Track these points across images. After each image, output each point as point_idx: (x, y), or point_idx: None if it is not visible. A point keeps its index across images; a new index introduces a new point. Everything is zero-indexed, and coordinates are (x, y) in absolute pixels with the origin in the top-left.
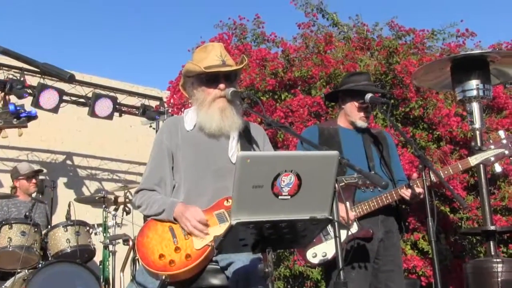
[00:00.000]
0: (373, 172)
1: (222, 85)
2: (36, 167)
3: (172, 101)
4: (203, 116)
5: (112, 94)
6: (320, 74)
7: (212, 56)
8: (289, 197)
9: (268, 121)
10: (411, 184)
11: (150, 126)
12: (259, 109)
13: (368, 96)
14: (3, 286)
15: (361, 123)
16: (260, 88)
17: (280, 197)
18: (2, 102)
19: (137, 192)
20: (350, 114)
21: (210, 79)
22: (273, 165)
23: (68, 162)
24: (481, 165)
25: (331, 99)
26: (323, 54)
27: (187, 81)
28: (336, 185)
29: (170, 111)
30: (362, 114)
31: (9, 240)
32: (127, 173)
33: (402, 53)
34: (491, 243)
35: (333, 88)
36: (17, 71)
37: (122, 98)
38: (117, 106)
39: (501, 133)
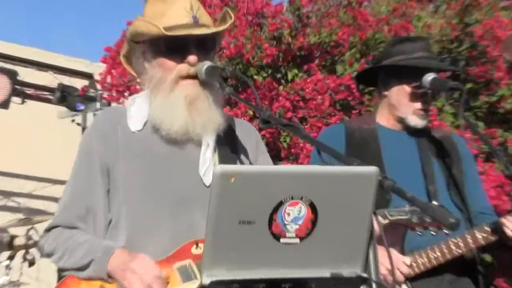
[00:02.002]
0: (435, 203)
1: (192, 57)
2: None
3: (109, 80)
4: (159, 107)
5: (8, 66)
6: (351, 40)
7: (177, 10)
8: (297, 240)
9: (265, 115)
10: (502, 222)
11: (73, 121)
12: (250, 96)
13: (429, 77)
14: None
15: (416, 121)
16: (254, 61)
17: (282, 240)
18: None
19: (48, 230)
20: (398, 106)
21: (173, 47)
22: (272, 188)
23: None
24: None
25: (367, 81)
26: (357, 7)
27: (135, 50)
28: (375, 222)
29: (105, 96)
30: (417, 105)
31: None
32: (32, 197)
33: (486, 6)
34: None
35: (371, 63)
36: None
37: (25, 74)
38: (17, 87)
39: None
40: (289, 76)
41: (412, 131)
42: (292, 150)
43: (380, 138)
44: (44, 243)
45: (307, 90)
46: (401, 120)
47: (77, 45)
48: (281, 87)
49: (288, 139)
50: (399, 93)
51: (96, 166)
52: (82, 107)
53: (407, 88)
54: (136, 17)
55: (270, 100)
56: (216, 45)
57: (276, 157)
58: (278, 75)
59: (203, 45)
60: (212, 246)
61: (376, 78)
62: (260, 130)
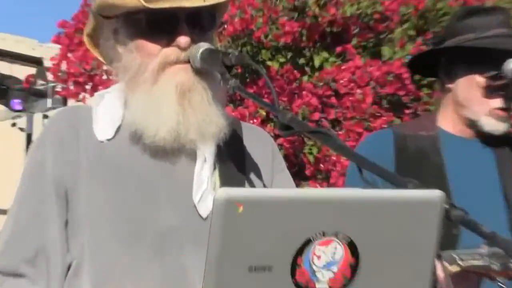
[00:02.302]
0: None
1: (183, 38)
2: None
3: (64, 67)
4: (139, 107)
5: None
6: (403, 12)
7: None
8: None
9: (285, 119)
10: None
11: (14, 125)
12: (263, 89)
13: (511, 63)
14: None
15: (493, 124)
16: (267, 41)
17: None
18: None
19: None
20: (468, 104)
21: (157, 24)
22: (296, 221)
23: None
24: None
25: (425, 69)
26: None
27: (103, 28)
28: (439, 269)
29: (59, 89)
30: (495, 103)
31: None
32: None
33: None
34: None
35: (431, 44)
36: None
37: None
38: None
39: None
40: (316, 62)
41: (488, 139)
42: (321, 165)
43: (443, 148)
44: None
45: (342, 82)
46: (472, 124)
47: (20, 20)
48: (305, 78)
49: (315, 150)
50: (469, 86)
51: (49, 189)
52: (23, 106)
53: (479, 79)
54: None
55: (290, 96)
56: (216, 21)
57: (299, 176)
58: (301, 61)
59: (198, 22)
60: None
61: (437, 65)
62: (276, 137)
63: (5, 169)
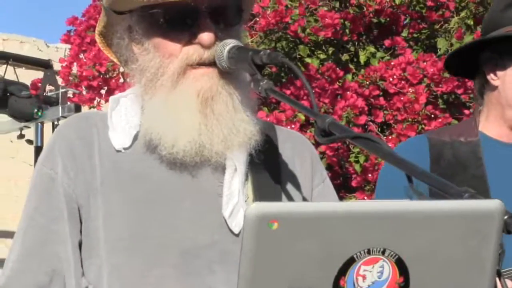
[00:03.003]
0: None
1: (206, 35)
2: None
3: (75, 70)
4: (156, 113)
5: None
6: None
7: None
8: None
9: (325, 123)
10: None
11: (21, 137)
12: (301, 91)
13: None
14: None
15: None
16: (305, 35)
17: None
18: None
19: None
20: None
21: (176, 20)
22: (338, 238)
23: None
24: None
25: (466, 69)
26: None
27: (116, 25)
28: (499, 286)
29: (71, 95)
30: None
31: None
32: None
33: None
34: None
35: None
36: None
37: None
38: None
39: None
40: (362, 58)
41: None
42: (369, 175)
43: (486, 156)
44: None
45: (391, 80)
46: None
47: (24, 19)
48: (349, 76)
49: (362, 159)
50: None
51: (60, 206)
52: (36, 116)
53: None
54: None
55: (333, 97)
56: (243, 15)
57: (344, 187)
58: (344, 57)
59: (223, 16)
60: None
61: (478, 62)
62: (317, 145)
63: (11, 188)
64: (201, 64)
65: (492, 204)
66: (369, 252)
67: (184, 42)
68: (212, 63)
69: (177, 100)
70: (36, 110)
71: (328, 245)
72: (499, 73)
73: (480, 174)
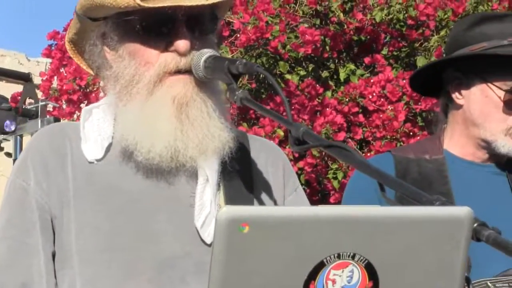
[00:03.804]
0: None
1: (182, 43)
2: None
3: (56, 84)
4: (131, 120)
5: None
6: (440, 16)
7: None
8: None
9: (298, 132)
10: None
11: (0, 150)
12: (281, 107)
13: None
14: None
15: (511, 145)
16: (285, 52)
17: None
18: None
19: None
20: (483, 120)
21: (153, 26)
22: (308, 242)
23: None
24: None
25: (428, 87)
26: None
27: (89, 31)
28: None
29: (50, 109)
30: None
31: None
32: None
33: None
34: None
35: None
36: None
37: None
38: None
39: None
40: (341, 75)
41: (502, 163)
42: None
43: (451, 174)
44: None
45: (371, 97)
46: (487, 145)
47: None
48: (328, 93)
49: (340, 175)
50: (485, 101)
51: (33, 218)
52: (13, 127)
53: (498, 92)
54: None
55: (312, 113)
56: (217, 23)
57: (322, 204)
58: (324, 74)
59: (198, 24)
60: None
61: (441, 80)
62: (295, 161)
63: None
64: (177, 71)
65: (462, 211)
66: (339, 257)
67: (161, 49)
68: (188, 71)
69: (153, 106)
70: (7, 123)
71: (298, 249)
72: (463, 92)
73: (446, 191)
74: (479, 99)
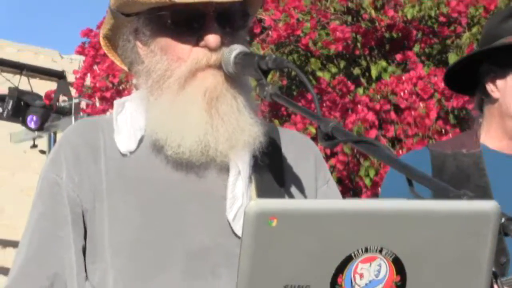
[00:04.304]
0: None
1: (212, 37)
2: None
3: (89, 81)
4: (162, 114)
5: None
6: (472, 13)
7: None
8: None
9: (328, 128)
10: None
11: (34, 147)
12: (312, 104)
13: None
14: None
15: None
16: (316, 49)
17: None
18: None
19: None
20: None
21: (184, 21)
22: (336, 236)
23: None
24: None
25: (465, 83)
26: None
27: (122, 27)
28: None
29: (84, 107)
30: None
31: None
32: None
33: None
34: None
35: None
36: None
37: None
38: None
39: None
40: (373, 73)
41: None
42: (379, 190)
43: (488, 167)
44: None
45: (402, 94)
46: None
47: (39, 30)
48: (360, 90)
49: (372, 173)
50: None
51: (65, 211)
52: (47, 125)
53: None
54: None
55: (343, 111)
56: (248, 19)
57: (347, 193)
58: (356, 71)
59: (229, 19)
60: None
61: (475, 77)
62: (328, 158)
63: (24, 199)
64: (208, 67)
65: (488, 205)
66: (366, 251)
67: (192, 44)
68: (218, 67)
69: (184, 101)
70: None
71: (326, 242)
72: (499, 85)
73: (483, 184)
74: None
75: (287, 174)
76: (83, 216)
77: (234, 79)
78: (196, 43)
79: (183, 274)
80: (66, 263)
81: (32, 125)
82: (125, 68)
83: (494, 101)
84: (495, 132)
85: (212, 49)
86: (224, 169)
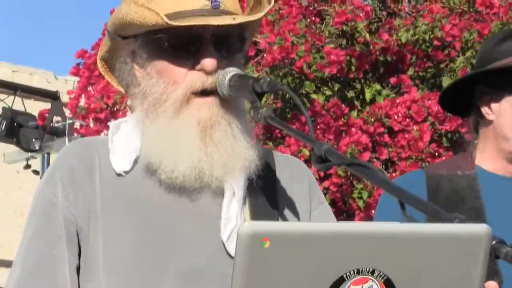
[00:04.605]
0: None
1: (208, 61)
2: None
3: (83, 102)
4: (157, 137)
5: None
6: (466, 37)
7: None
8: None
9: (321, 150)
10: None
11: (28, 167)
12: (306, 127)
13: None
14: None
15: None
16: (310, 72)
17: None
18: None
19: None
20: (511, 135)
21: (180, 44)
22: (329, 257)
23: None
24: None
25: (459, 106)
26: None
27: (120, 49)
28: None
29: (78, 127)
30: None
31: None
32: None
33: None
34: None
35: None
36: None
37: None
38: None
39: None
40: (367, 95)
41: None
42: (372, 212)
43: (483, 189)
44: None
45: (396, 117)
46: None
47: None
48: (354, 113)
49: (365, 195)
50: None
51: (59, 230)
52: (38, 145)
53: None
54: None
55: (337, 133)
56: (245, 43)
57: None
58: (350, 94)
59: (226, 43)
60: None
61: (471, 98)
62: (321, 180)
63: (17, 219)
64: (203, 91)
65: (479, 228)
66: (358, 272)
67: (188, 68)
68: (213, 91)
69: (178, 127)
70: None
71: (318, 264)
72: (493, 107)
73: (478, 206)
74: (509, 113)
75: (281, 197)
76: (77, 235)
77: (229, 103)
78: (192, 67)
79: None
80: (61, 282)
81: (37, 147)
82: (122, 90)
83: (488, 123)
84: (490, 154)
85: (208, 73)
86: (219, 191)
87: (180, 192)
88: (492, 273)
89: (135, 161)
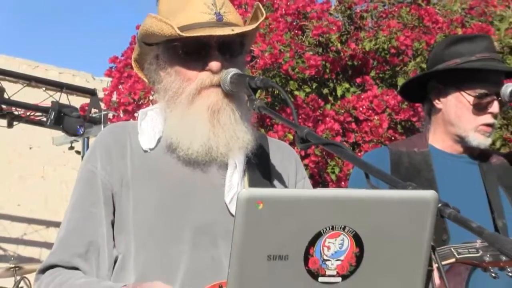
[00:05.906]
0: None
1: (215, 64)
2: None
3: (115, 97)
4: (176, 123)
5: None
6: (416, 46)
7: (197, 6)
8: (338, 279)
9: (303, 133)
10: None
11: (71, 149)
12: (290, 117)
13: (509, 88)
14: None
15: (479, 139)
16: (294, 73)
17: (321, 278)
18: None
19: (42, 271)
20: (457, 121)
21: (191, 51)
22: (309, 216)
23: None
24: None
25: (415, 96)
26: (423, 5)
27: (146, 54)
28: (434, 259)
29: (111, 117)
30: (482, 119)
31: None
32: (21, 242)
33: None
34: None
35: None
36: None
37: (12, 91)
38: (2, 106)
39: None
40: (338, 92)
41: (474, 154)
42: (342, 183)
43: (434, 163)
44: None
45: (361, 109)
46: (461, 140)
47: (76, 56)
48: (328, 106)
49: (337, 170)
50: (458, 105)
51: (98, 193)
52: (82, 130)
53: (468, 98)
54: (148, 14)
55: (315, 122)
56: (244, 48)
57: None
58: (325, 91)
59: (228, 48)
60: (237, 286)
61: (425, 91)
62: (302, 158)
63: (62, 189)
64: (210, 86)
65: (428, 194)
66: (332, 228)
67: (198, 69)
68: (218, 85)
69: (192, 113)
70: (78, 128)
71: (301, 222)
72: (442, 99)
73: (431, 177)
74: (454, 104)
75: (273, 171)
76: (112, 198)
77: (231, 95)
78: (202, 68)
79: (191, 243)
80: (99, 234)
81: (79, 132)
82: (150, 85)
83: (438, 111)
84: (440, 135)
85: (214, 72)
86: (223, 165)
87: (194, 165)
88: (441, 230)
89: (158, 141)
